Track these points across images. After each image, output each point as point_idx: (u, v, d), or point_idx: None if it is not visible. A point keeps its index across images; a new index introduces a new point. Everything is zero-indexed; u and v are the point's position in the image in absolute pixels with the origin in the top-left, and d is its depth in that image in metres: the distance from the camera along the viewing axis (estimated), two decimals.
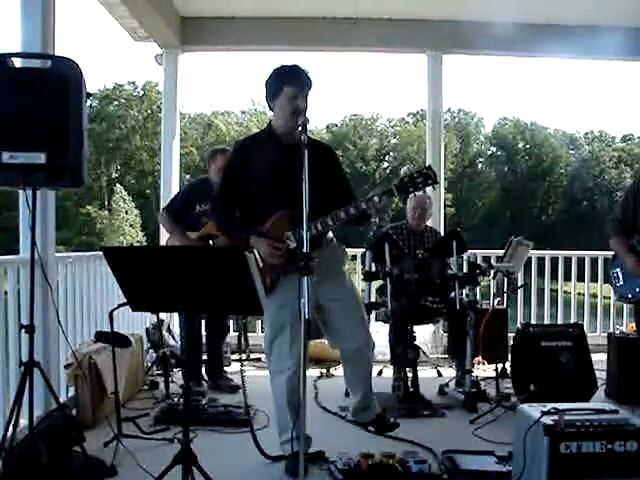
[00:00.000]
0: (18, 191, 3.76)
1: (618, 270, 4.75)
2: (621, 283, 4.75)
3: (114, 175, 48.61)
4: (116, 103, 49.36)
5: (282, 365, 3.75)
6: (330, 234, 3.91)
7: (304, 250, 3.07)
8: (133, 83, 50.49)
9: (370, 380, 4.14)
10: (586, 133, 56.54)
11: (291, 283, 3.50)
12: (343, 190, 3.77)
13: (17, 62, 3.33)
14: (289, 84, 3.61)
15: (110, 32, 55.58)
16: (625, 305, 7.22)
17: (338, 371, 5.70)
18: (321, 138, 50.20)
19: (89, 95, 3.44)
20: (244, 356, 6.96)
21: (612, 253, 4.91)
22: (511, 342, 5.49)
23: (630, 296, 4.68)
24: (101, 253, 2.93)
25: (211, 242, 5.38)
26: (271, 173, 3.64)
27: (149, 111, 49.08)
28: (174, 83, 7.57)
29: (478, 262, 6.48)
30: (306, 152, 3.24)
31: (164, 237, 7.03)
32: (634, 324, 5.32)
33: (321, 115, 61.81)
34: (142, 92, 50.17)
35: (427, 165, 3.51)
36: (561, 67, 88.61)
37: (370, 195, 3.56)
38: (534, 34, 7.20)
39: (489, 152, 55.98)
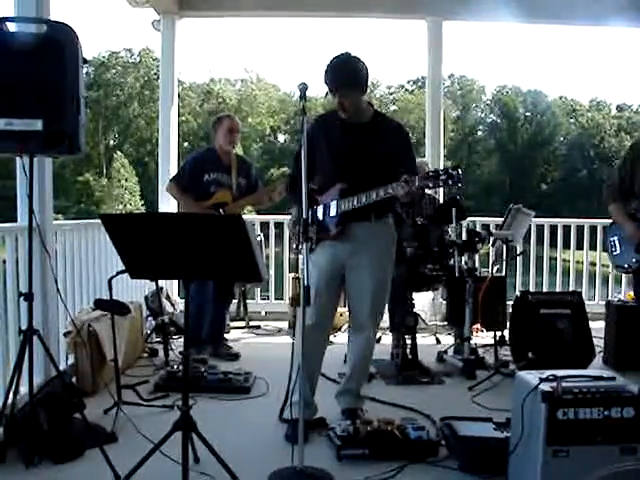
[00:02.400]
0: (15, 158, 3.74)
1: (615, 238, 4.67)
2: (618, 252, 4.67)
3: (112, 143, 48.44)
4: (113, 70, 49.01)
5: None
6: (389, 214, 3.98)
7: (304, 218, 3.22)
8: (129, 50, 50.14)
9: (361, 369, 4.08)
10: (587, 101, 56.33)
11: (324, 250, 3.83)
12: (405, 168, 3.68)
13: (12, 27, 3.29)
14: (329, 85, 3.75)
15: None
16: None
17: (337, 338, 5.71)
18: (321, 103, 49.94)
19: (85, 61, 3.39)
20: (244, 323, 7.00)
21: (610, 221, 4.86)
22: (510, 310, 5.51)
23: (626, 265, 4.61)
24: (99, 221, 2.92)
25: (222, 210, 5.41)
26: (335, 148, 3.84)
27: (146, 78, 48.75)
28: (172, 50, 7.46)
29: (477, 230, 6.48)
30: (305, 118, 3.31)
31: (163, 205, 7.04)
32: (632, 292, 5.30)
33: (320, 81, 61.41)
34: (138, 59, 49.80)
35: (457, 165, 3.57)
36: (562, 34, 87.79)
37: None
38: (534, 1, 7.11)
39: (489, 120, 55.76)
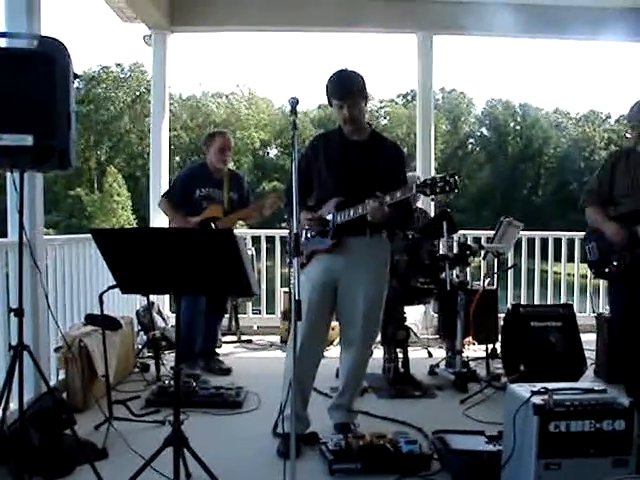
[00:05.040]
0: (5, 173, 3.73)
1: (593, 244, 4.54)
2: (596, 258, 4.57)
3: (103, 158, 48.36)
4: (104, 85, 48.96)
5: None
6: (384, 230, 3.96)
7: (294, 231, 3.17)
8: (120, 65, 50.07)
9: (353, 385, 4.05)
10: (577, 114, 56.66)
11: (318, 263, 3.87)
12: (396, 185, 3.69)
13: (2, 42, 3.29)
14: (335, 97, 3.85)
15: (96, 12, 54.77)
16: None
17: (329, 352, 5.69)
18: (312, 118, 50.10)
19: (76, 76, 3.39)
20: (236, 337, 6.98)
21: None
22: (501, 322, 5.52)
23: (606, 270, 4.51)
24: (90, 236, 2.91)
25: (213, 225, 5.40)
26: (334, 165, 3.90)
27: (137, 93, 48.75)
28: (163, 64, 7.48)
29: (468, 243, 6.49)
30: (296, 133, 3.27)
31: (155, 220, 7.03)
32: (608, 300, 5.22)
33: (312, 94, 61.63)
34: (129, 74, 49.78)
35: (453, 172, 3.62)
36: (552, 47, 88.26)
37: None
38: (525, 15, 7.13)
39: (479, 133, 55.98)
